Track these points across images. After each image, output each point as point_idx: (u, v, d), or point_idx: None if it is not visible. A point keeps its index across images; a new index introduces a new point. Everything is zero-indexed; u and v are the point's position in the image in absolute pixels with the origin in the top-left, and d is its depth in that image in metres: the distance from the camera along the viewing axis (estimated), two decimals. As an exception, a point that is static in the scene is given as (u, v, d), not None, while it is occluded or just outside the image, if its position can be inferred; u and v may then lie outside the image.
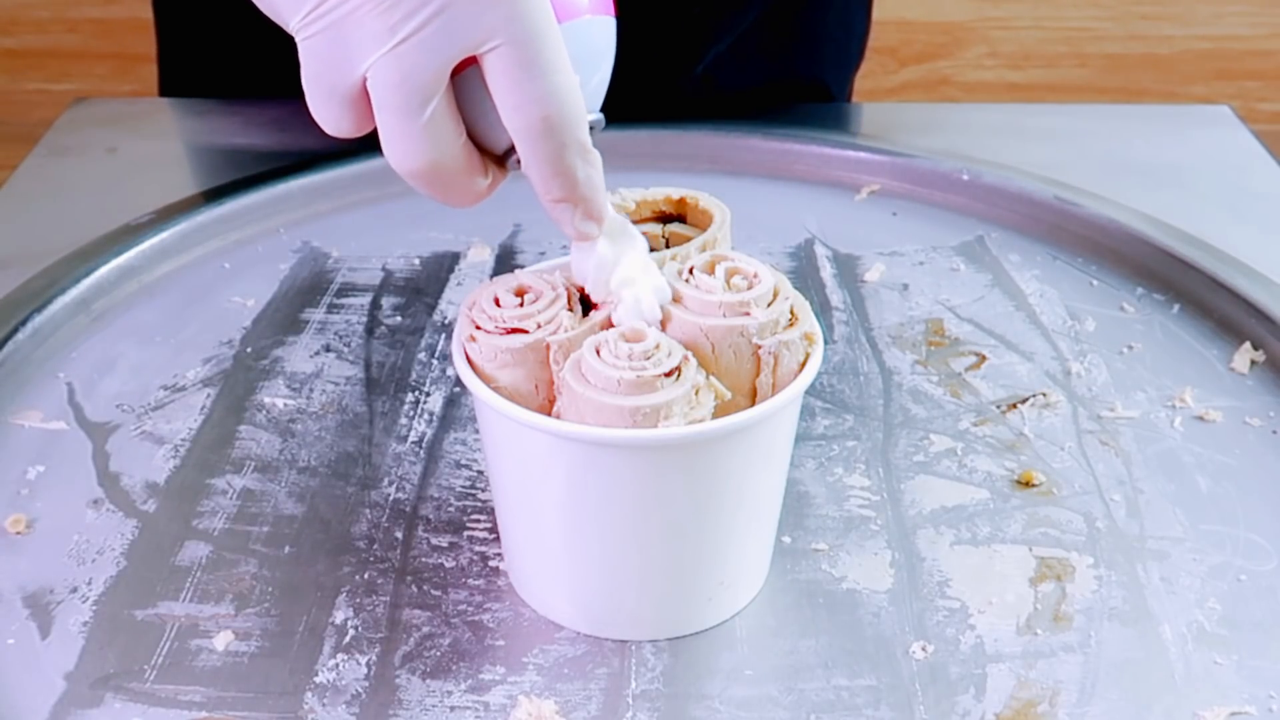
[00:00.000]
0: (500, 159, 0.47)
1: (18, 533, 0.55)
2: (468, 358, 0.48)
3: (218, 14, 0.91)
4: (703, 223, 0.53)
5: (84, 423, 0.62)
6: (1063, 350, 0.67)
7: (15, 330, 0.65)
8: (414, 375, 0.65)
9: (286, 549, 0.54)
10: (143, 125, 0.90)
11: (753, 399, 0.47)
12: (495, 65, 0.43)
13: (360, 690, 0.48)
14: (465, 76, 0.44)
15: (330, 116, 0.45)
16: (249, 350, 0.67)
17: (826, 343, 0.59)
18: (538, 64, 0.43)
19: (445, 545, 0.55)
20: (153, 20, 0.96)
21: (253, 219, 0.78)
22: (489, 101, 0.44)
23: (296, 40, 0.45)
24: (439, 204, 0.47)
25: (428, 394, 0.64)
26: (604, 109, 0.48)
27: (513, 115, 0.44)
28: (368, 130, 0.46)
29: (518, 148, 0.45)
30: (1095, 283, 0.73)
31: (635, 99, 0.84)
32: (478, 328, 0.48)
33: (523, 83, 0.43)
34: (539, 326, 0.47)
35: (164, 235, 0.74)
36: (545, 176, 0.45)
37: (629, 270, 0.47)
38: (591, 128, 0.46)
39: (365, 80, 0.44)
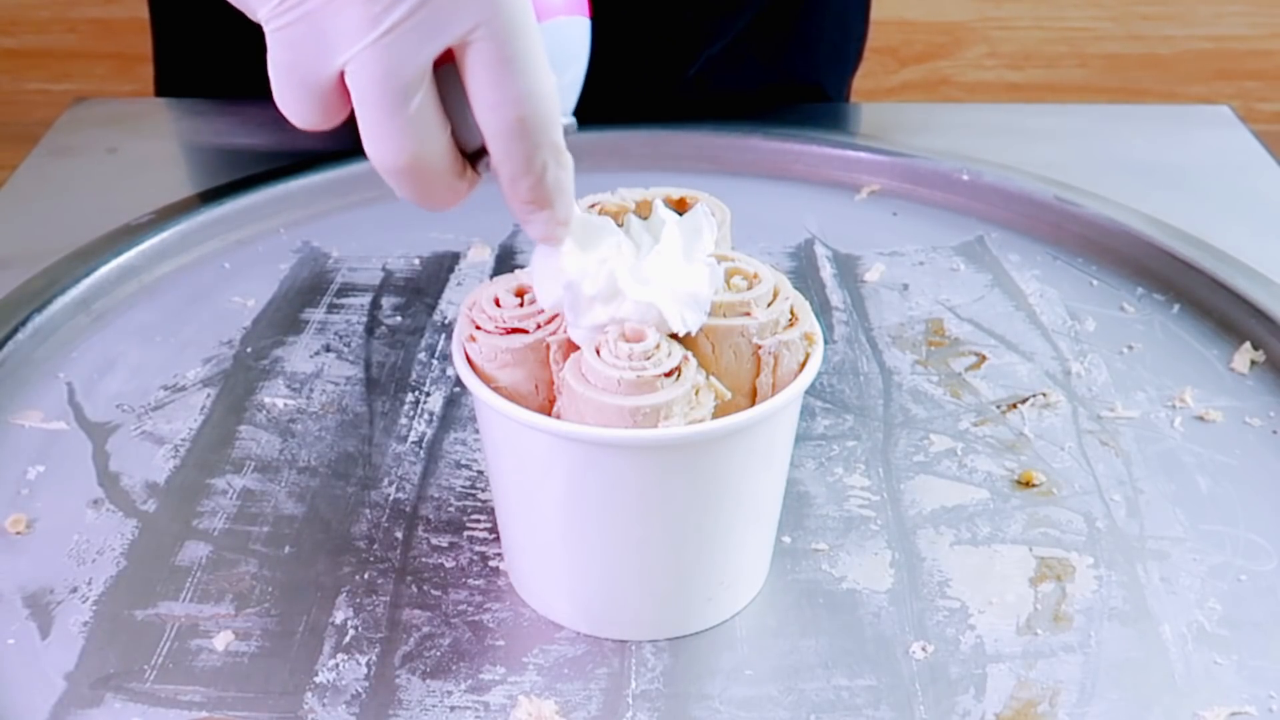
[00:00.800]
0: (471, 158, 0.46)
1: (18, 533, 0.55)
2: (468, 358, 0.48)
3: (214, 14, 0.91)
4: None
5: (84, 423, 0.62)
6: (1063, 350, 0.67)
7: (15, 330, 0.65)
8: (414, 375, 0.65)
9: (286, 549, 0.54)
10: (143, 125, 0.90)
11: (753, 399, 0.47)
12: (475, 60, 0.42)
13: (360, 690, 0.48)
14: (438, 75, 0.43)
15: (299, 110, 0.44)
16: (249, 350, 0.67)
17: (826, 343, 0.59)
18: (517, 62, 0.42)
19: (445, 545, 0.55)
20: (149, 20, 0.96)
21: (252, 219, 0.78)
22: (462, 100, 0.44)
23: (265, 30, 0.43)
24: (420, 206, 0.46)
25: (428, 394, 0.64)
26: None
27: (488, 114, 0.43)
28: (336, 123, 0.45)
29: (490, 147, 0.44)
30: (1095, 283, 0.73)
31: (626, 101, 0.84)
32: (478, 328, 0.48)
33: (501, 81, 0.42)
34: (539, 326, 0.47)
35: (164, 235, 0.74)
36: (515, 177, 0.44)
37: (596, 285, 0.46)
38: (564, 131, 0.45)
39: (341, 73, 0.42)
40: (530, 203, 0.45)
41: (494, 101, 0.43)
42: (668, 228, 0.48)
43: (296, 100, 0.44)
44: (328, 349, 0.67)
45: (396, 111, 0.42)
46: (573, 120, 0.46)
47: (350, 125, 0.45)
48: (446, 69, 0.43)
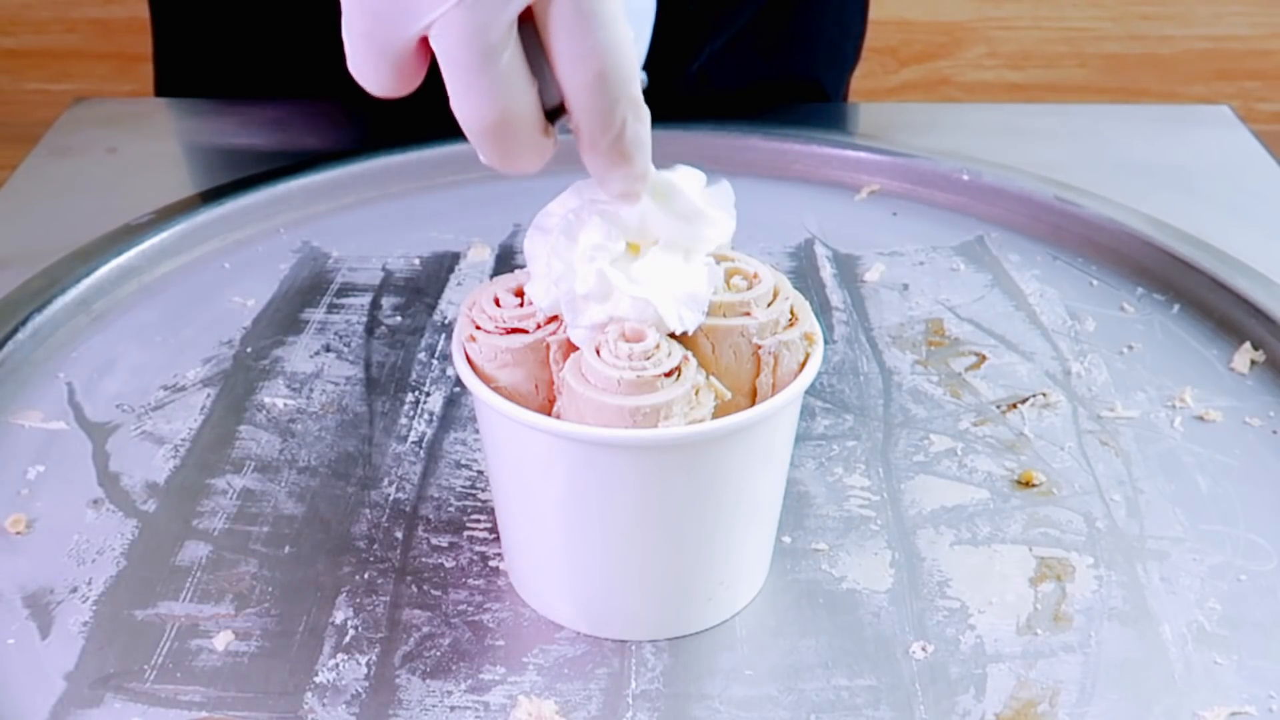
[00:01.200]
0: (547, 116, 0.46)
1: (18, 533, 0.55)
2: (468, 358, 0.48)
3: (213, 14, 0.91)
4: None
5: (84, 423, 0.62)
6: (1063, 350, 0.67)
7: (15, 330, 0.65)
8: (414, 375, 0.65)
9: (286, 549, 0.54)
10: (142, 125, 0.90)
11: (753, 399, 0.47)
12: (557, 13, 0.42)
13: (360, 690, 0.48)
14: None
15: (376, 77, 0.44)
16: (249, 350, 0.67)
17: (826, 343, 0.59)
18: (597, 15, 0.42)
19: (445, 545, 0.55)
20: (149, 19, 0.96)
21: (253, 219, 0.78)
22: (539, 59, 0.44)
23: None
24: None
25: (428, 394, 0.64)
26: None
27: (569, 69, 0.43)
28: (409, 91, 0.45)
29: (571, 102, 0.44)
30: (1095, 283, 0.73)
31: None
32: (478, 328, 0.48)
33: (583, 34, 0.43)
34: (539, 326, 0.47)
35: (164, 235, 0.74)
36: (595, 133, 0.44)
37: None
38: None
39: (421, 38, 0.43)
40: (610, 158, 0.45)
41: (575, 55, 0.43)
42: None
43: (374, 68, 0.44)
44: (328, 349, 0.67)
45: (485, 70, 0.42)
46: (645, 76, 0.46)
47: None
48: (523, 29, 0.43)
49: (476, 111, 0.44)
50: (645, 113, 0.45)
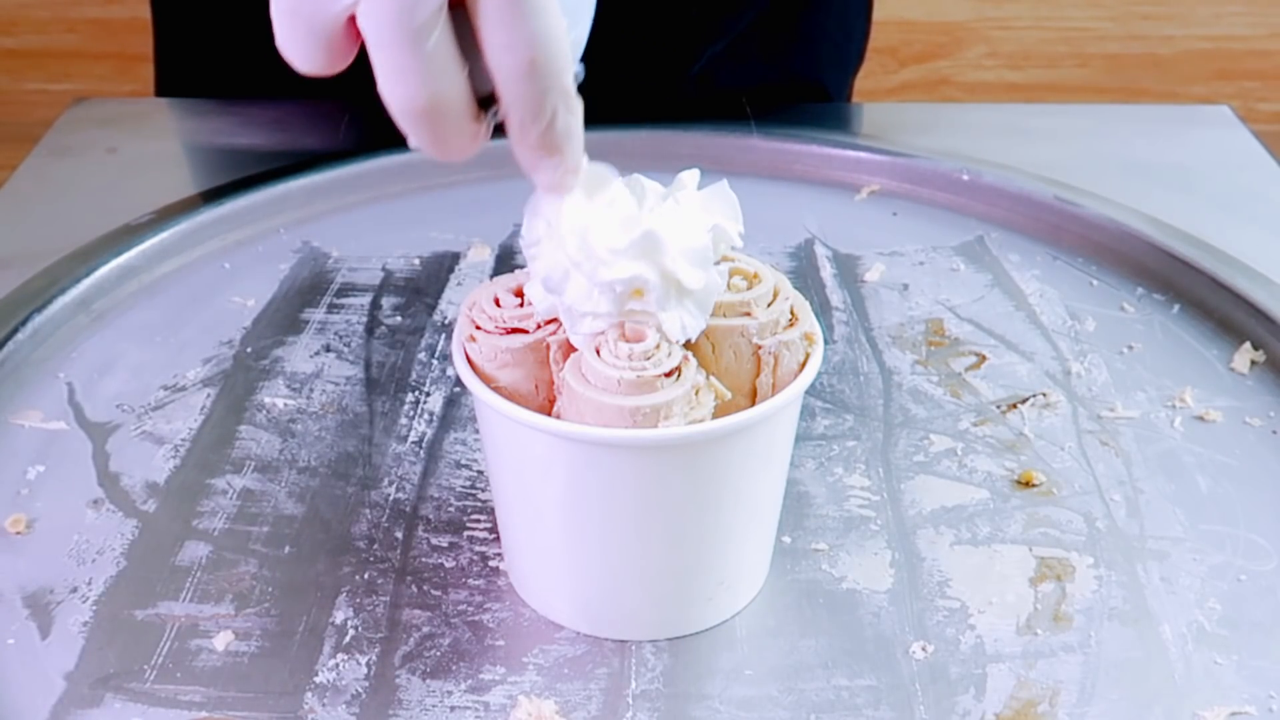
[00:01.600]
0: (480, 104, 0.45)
1: (18, 533, 0.55)
2: (468, 358, 0.48)
3: (214, 14, 0.91)
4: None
5: (84, 423, 0.62)
6: (1063, 350, 0.67)
7: (15, 330, 0.66)
8: (414, 375, 0.65)
9: (286, 549, 0.54)
10: (142, 125, 0.90)
11: (753, 399, 0.47)
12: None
13: (360, 690, 0.48)
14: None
15: (304, 54, 0.43)
16: (249, 350, 0.67)
17: (826, 343, 0.59)
18: (528, 1, 0.42)
19: (445, 545, 0.55)
20: (150, 19, 0.96)
21: (253, 219, 0.78)
22: (470, 46, 0.43)
23: None
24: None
25: (428, 394, 0.64)
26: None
27: (500, 55, 0.42)
28: (340, 69, 0.44)
29: (500, 89, 0.43)
30: (1095, 283, 0.73)
31: (630, 99, 0.84)
32: (478, 328, 0.48)
33: (514, 20, 0.42)
34: (539, 326, 0.47)
35: (164, 235, 0.74)
36: (525, 123, 0.43)
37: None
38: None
39: (350, 16, 0.42)
40: (539, 149, 0.44)
41: (506, 42, 0.42)
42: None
43: (301, 45, 0.43)
44: (328, 349, 0.67)
45: (413, 51, 0.42)
46: (581, 69, 0.45)
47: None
48: (455, 14, 0.43)
49: (403, 94, 0.42)
50: (577, 104, 0.44)
